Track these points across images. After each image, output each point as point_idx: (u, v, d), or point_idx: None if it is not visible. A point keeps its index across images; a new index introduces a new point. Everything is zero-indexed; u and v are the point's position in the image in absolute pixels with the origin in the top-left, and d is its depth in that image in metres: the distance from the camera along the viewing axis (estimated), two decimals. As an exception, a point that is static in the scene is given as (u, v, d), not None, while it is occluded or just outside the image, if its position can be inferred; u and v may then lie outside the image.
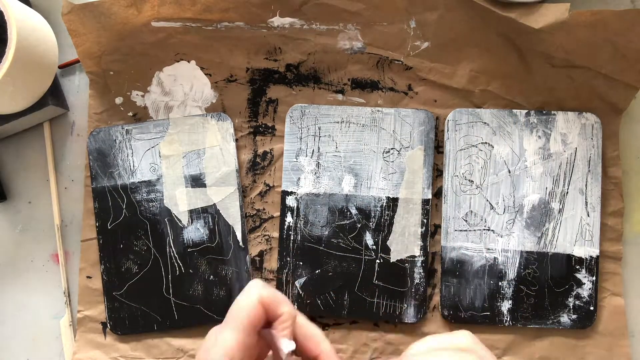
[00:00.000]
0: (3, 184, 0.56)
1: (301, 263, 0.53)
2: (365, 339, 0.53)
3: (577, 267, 0.51)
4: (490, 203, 0.52)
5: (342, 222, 0.53)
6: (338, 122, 0.53)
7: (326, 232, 0.53)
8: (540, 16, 0.48)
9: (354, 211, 0.53)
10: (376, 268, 0.52)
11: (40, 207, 0.56)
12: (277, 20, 0.53)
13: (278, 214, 0.54)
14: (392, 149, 0.53)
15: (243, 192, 0.54)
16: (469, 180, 0.52)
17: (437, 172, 0.53)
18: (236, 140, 0.54)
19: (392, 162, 0.53)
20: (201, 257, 0.53)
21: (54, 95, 0.54)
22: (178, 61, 0.54)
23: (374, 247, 0.52)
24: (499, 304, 0.52)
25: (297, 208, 0.53)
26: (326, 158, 0.53)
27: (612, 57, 0.49)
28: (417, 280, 0.52)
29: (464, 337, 0.36)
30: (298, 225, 0.53)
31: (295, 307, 0.52)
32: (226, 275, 0.53)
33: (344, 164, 0.53)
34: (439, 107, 0.53)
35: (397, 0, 0.52)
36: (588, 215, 0.52)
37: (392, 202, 0.52)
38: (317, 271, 0.52)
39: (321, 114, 0.53)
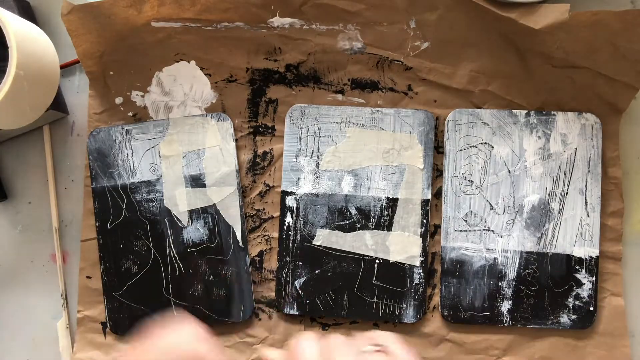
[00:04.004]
0: (3, 184, 0.56)
1: (301, 263, 0.53)
2: (365, 339, 0.53)
3: (577, 267, 0.51)
4: (490, 203, 0.52)
5: (341, 222, 0.53)
6: (338, 123, 0.53)
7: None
8: (541, 17, 0.48)
9: (353, 211, 0.53)
10: (376, 268, 0.52)
11: (40, 208, 0.56)
12: (277, 21, 0.53)
13: (278, 214, 0.54)
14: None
15: (243, 192, 0.54)
16: (469, 180, 0.52)
17: (437, 173, 0.53)
18: (236, 140, 0.54)
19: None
20: (201, 257, 0.53)
21: (54, 99, 0.53)
22: (178, 61, 0.54)
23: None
24: (498, 304, 0.52)
25: (297, 208, 0.53)
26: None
27: (612, 57, 0.49)
28: (416, 281, 0.52)
29: None
30: (298, 225, 0.53)
31: (295, 307, 0.52)
32: (226, 275, 0.53)
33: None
34: (439, 107, 0.53)
35: (397, 1, 0.52)
36: (588, 216, 0.52)
37: (392, 202, 0.52)
38: (317, 271, 0.53)
39: (321, 114, 0.53)
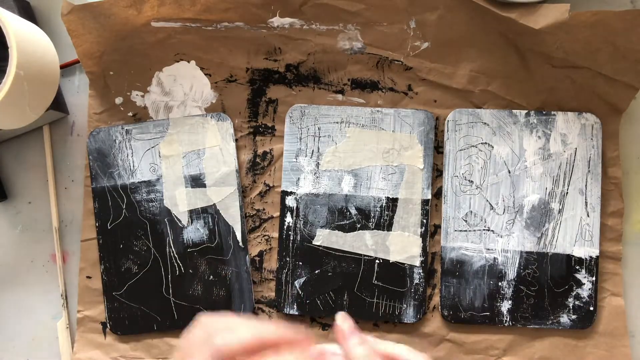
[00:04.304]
0: (3, 184, 0.56)
1: (301, 263, 0.53)
2: (365, 339, 0.53)
3: (577, 267, 0.51)
4: (490, 203, 0.52)
5: (341, 222, 0.53)
6: (338, 123, 0.53)
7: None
8: (540, 16, 0.48)
9: (353, 211, 0.53)
10: (376, 268, 0.52)
11: (40, 208, 0.56)
12: (277, 21, 0.53)
13: (278, 214, 0.54)
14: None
15: (243, 192, 0.54)
16: (469, 180, 0.52)
17: (436, 172, 0.53)
18: (236, 140, 0.54)
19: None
20: (201, 257, 0.53)
21: (54, 99, 0.53)
22: (178, 61, 0.54)
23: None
24: (498, 304, 0.52)
25: (297, 208, 0.53)
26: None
27: (612, 57, 0.49)
28: (416, 281, 0.52)
29: None
30: (298, 225, 0.53)
31: (295, 307, 0.52)
32: (226, 275, 0.53)
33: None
34: (439, 107, 0.53)
35: (397, 1, 0.52)
36: (588, 216, 0.52)
37: (392, 202, 0.52)
38: (317, 271, 0.52)
39: (321, 114, 0.53)
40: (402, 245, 0.52)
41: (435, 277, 0.53)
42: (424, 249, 0.52)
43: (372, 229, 0.52)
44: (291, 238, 0.53)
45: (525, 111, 0.52)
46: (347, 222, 0.53)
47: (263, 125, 0.54)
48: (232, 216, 0.53)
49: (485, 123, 0.52)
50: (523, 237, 0.52)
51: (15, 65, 0.45)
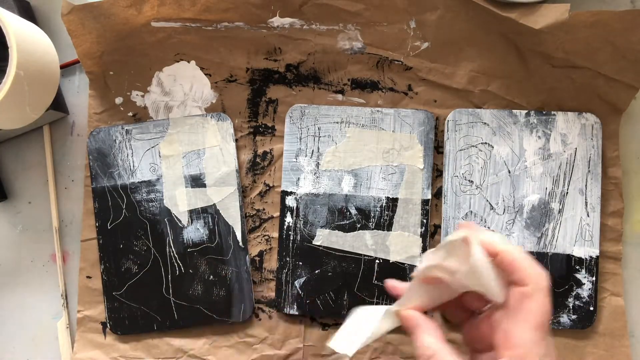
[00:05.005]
0: (3, 184, 0.56)
1: (301, 263, 0.53)
2: (365, 339, 0.53)
3: (577, 267, 0.51)
4: (490, 203, 0.52)
5: (341, 222, 0.53)
6: (338, 123, 0.53)
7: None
8: (540, 16, 0.48)
9: (353, 211, 0.53)
10: (376, 268, 0.52)
11: (40, 208, 0.56)
12: (277, 21, 0.53)
13: (278, 214, 0.54)
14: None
15: (243, 192, 0.54)
16: (469, 180, 0.52)
17: (436, 172, 0.53)
18: (236, 140, 0.54)
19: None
20: (201, 257, 0.53)
21: (54, 99, 0.54)
22: (178, 61, 0.54)
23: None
24: (498, 304, 0.52)
25: (297, 208, 0.53)
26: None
27: (612, 57, 0.49)
28: (416, 281, 0.52)
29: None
30: (298, 225, 0.53)
31: (295, 307, 0.52)
32: (226, 275, 0.53)
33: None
34: (439, 107, 0.53)
35: (397, 1, 0.52)
36: (588, 216, 0.52)
37: (392, 202, 0.52)
38: (317, 271, 0.53)
39: (321, 114, 0.53)
40: (402, 245, 0.52)
41: (435, 277, 0.53)
42: (424, 249, 0.52)
43: (372, 229, 0.52)
44: (291, 238, 0.53)
45: (525, 111, 0.52)
46: (347, 222, 0.53)
47: (263, 125, 0.54)
48: (232, 216, 0.53)
49: (485, 123, 0.52)
50: (523, 237, 0.52)
51: (15, 65, 0.45)
